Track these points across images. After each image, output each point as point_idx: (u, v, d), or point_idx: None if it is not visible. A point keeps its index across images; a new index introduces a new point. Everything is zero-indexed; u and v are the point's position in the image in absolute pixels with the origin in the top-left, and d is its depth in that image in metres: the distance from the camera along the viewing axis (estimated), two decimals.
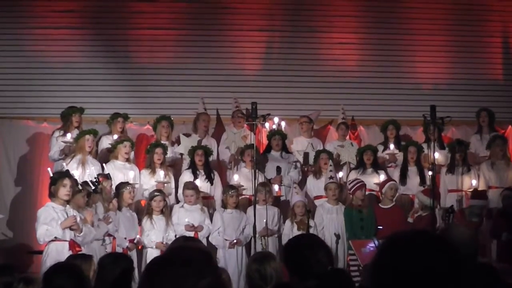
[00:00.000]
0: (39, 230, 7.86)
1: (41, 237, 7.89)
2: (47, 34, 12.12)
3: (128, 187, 9.45)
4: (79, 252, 7.45)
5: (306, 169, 11.02)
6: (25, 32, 12.11)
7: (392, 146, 11.23)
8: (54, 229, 7.76)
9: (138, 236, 9.34)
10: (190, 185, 9.97)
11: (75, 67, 12.04)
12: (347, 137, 11.57)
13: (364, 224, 9.79)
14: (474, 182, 10.59)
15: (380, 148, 11.32)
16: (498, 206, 10.44)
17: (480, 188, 10.63)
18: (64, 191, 7.90)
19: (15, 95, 11.91)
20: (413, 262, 2.11)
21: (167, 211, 9.69)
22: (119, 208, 9.31)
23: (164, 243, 9.33)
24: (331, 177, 10.16)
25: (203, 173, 10.43)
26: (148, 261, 9.20)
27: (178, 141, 11.18)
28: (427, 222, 9.54)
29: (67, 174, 8.24)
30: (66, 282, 4.44)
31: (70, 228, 7.84)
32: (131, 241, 9.22)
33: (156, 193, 9.61)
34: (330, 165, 10.34)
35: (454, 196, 10.60)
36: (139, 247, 9.39)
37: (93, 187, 8.76)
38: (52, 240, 7.86)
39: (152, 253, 9.20)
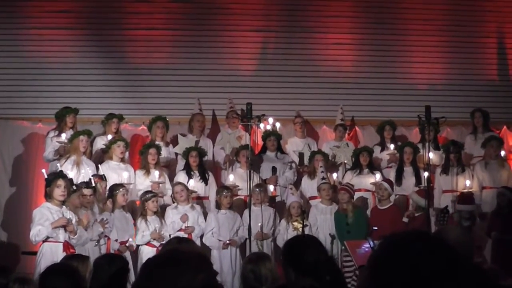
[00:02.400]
0: (32, 230, 7.88)
1: (33, 237, 7.91)
2: (42, 35, 12.10)
3: (121, 189, 9.43)
4: (76, 253, 7.44)
5: (301, 169, 11.03)
6: (20, 32, 12.10)
7: (392, 146, 11.25)
8: (44, 228, 7.76)
9: (130, 240, 9.30)
10: (177, 183, 10.05)
11: (70, 68, 12.03)
12: (344, 138, 11.58)
13: (350, 229, 9.77)
14: (468, 182, 10.59)
15: (377, 149, 11.35)
16: (492, 206, 10.46)
17: (473, 189, 10.64)
18: (58, 192, 7.90)
19: (10, 96, 11.89)
20: (410, 262, 2.11)
21: (159, 211, 9.71)
22: (112, 209, 9.29)
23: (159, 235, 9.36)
24: (323, 178, 10.17)
25: (197, 174, 10.44)
26: (143, 261, 9.23)
27: (173, 142, 11.18)
28: (420, 222, 9.54)
29: (61, 174, 8.23)
30: (62, 283, 4.44)
31: (65, 230, 7.84)
32: (123, 243, 9.19)
33: (150, 194, 9.60)
34: (321, 166, 10.35)
35: (449, 196, 10.60)
36: (133, 250, 9.34)
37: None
38: (46, 241, 7.86)
39: (148, 254, 9.19)
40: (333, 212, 10.01)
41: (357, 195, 10.42)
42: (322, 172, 10.23)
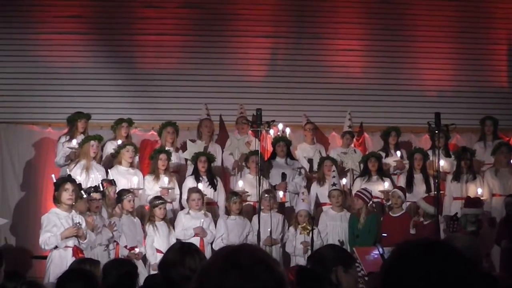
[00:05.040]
0: (42, 237, 7.89)
1: (42, 244, 7.93)
2: (52, 40, 12.13)
3: (128, 196, 9.42)
4: (86, 257, 7.43)
5: (311, 176, 11.03)
6: (30, 37, 12.13)
7: (398, 153, 11.23)
8: (54, 238, 7.77)
9: (138, 250, 9.26)
10: (195, 189, 9.97)
11: (80, 73, 12.06)
12: (352, 145, 11.56)
13: (359, 233, 9.77)
14: (479, 190, 10.54)
15: (381, 155, 11.31)
16: (501, 214, 10.42)
17: (484, 197, 10.60)
18: (66, 196, 7.91)
19: (20, 100, 11.92)
20: (422, 271, 2.10)
21: (167, 217, 9.72)
22: (120, 215, 9.30)
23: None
24: (334, 184, 10.15)
25: (206, 179, 10.42)
26: (151, 267, 9.23)
27: (183, 147, 11.18)
28: (430, 230, 9.50)
29: (68, 178, 8.25)
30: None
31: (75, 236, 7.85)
32: (132, 249, 9.19)
33: (159, 201, 9.59)
34: (334, 171, 10.34)
35: (459, 203, 10.55)
36: (140, 258, 9.28)
37: (84, 196, 8.63)
38: (56, 247, 7.86)
39: (156, 259, 9.19)
40: (343, 219, 10.02)
41: None
42: (334, 177, 10.21)
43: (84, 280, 4.51)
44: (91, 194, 8.78)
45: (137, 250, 9.22)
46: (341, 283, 3.90)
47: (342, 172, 10.98)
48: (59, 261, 7.70)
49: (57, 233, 7.78)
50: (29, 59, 12.06)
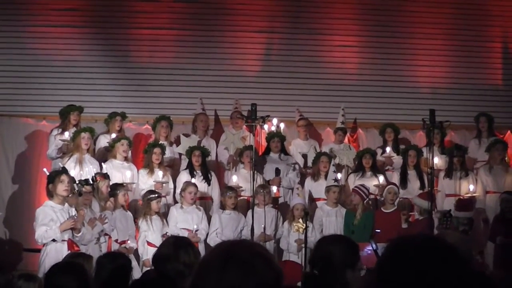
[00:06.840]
0: (38, 231, 7.83)
1: (39, 238, 7.86)
2: (48, 32, 12.10)
3: (122, 190, 9.41)
4: (80, 252, 7.41)
5: (305, 171, 11.03)
6: (25, 30, 12.09)
7: (388, 149, 11.23)
8: (52, 231, 7.73)
9: (129, 242, 9.24)
10: (191, 183, 9.96)
11: (75, 66, 12.03)
12: (345, 141, 11.56)
13: (354, 229, 9.78)
14: (471, 187, 10.55)
15: (379, 151, 11.33)
16: (495, 211, 10.43)
17: (477, 193, 10.61)
18: (62, 187, 7.88)
19: (15, 93, 11.89)
20: (417, 267, 2.11)
21: (161, 211, 9.70)
22: (114, 208, 9.27)
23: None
24: (336, 180, 10.13)
25: (200, 173, 10.42)
26: (143, 263, 9.21)
27: (177, 141, 11.18)
28: (424, 225, 9.52)
29: (64, 170, 8.24)
30: (69, 281, 4.42)
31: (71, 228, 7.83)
32: (123, 243, 9.16)
33: (155, 195, 9.57)
34: (333, 165, 10.34)
35: (452, 200, 10.56)
36: (131, 252, 9.24)
37: (76, 189, 8.60)
38: (53, 240, 7.84)
39: (150, 253, 9.17)
40: (338, 214, 10.02)
41: None
42: (334, 172, 10.21)
43: (73, 274, 4.48)
44: (84, 187, 8.74)
45: (129, 243, 9.20)
46: (351, 285, 3.89)
47: (337, 168, 11.00)
48: (55, 254, 7.64)
49: (54, 227, 7.75)
50: (24, 51, 12.03)
